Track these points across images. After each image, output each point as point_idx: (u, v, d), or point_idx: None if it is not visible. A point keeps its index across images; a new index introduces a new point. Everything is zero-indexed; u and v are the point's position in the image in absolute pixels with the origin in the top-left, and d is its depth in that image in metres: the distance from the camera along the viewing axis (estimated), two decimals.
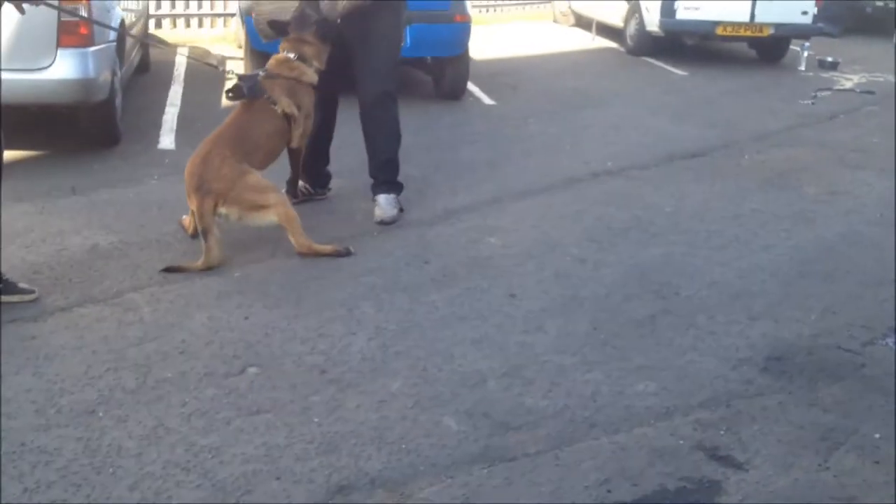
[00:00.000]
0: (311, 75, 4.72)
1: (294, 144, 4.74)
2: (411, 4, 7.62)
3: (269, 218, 4.34)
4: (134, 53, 7.81)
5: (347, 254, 4.47)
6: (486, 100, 8.73)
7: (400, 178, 5.21)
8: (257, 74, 4.60)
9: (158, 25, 11.30)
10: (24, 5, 3.81)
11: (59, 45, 5.29)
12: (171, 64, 9.39)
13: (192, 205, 4.26)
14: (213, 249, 4.18)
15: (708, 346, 3.78)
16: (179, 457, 2.80)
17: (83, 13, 5.28)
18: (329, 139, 5.30)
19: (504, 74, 10.15)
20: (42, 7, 4.92)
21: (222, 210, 4.24)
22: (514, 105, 8.58)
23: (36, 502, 2.54)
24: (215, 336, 3.59)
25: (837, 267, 4.75)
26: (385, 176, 5.12)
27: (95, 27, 5.45)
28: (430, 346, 3.62)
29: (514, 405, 3.24)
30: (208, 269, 4.17)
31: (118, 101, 6.11)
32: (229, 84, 4.70)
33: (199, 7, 11.52)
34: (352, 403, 3.17)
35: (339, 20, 4.83)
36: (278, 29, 4.83)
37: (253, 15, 5.19)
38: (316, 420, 3.06)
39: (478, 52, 11.53)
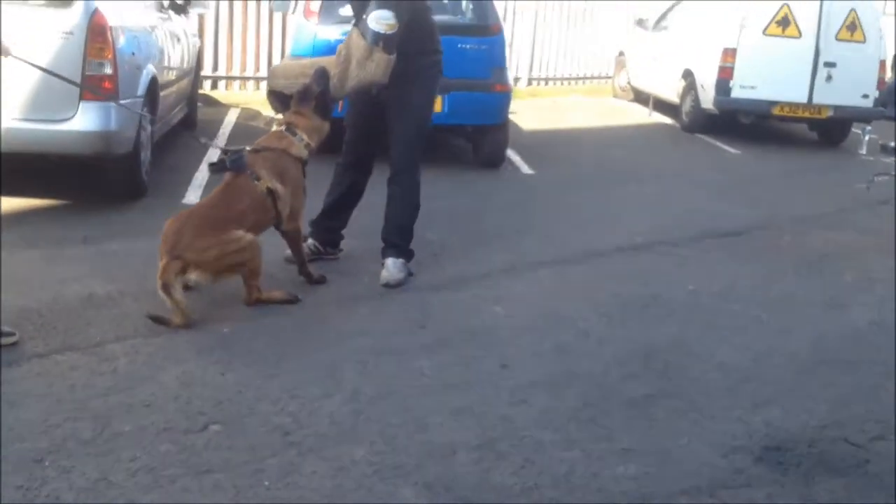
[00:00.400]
0: (300, 149, 4.65)
1: (284, 227, 4.63)
2: (451, 72, 7.69)
3: (240, 273, 4.36)
4: (176, 110, 7.95)
5: (296, 300, 4.47)
6: (526, 169, 8.65)
7: (413, 246, 5.13)
8: (243, 149, 4.57)
9: (214, 86, 11.54)
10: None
11: (81, 97, 5.37)
12: (220, 123, 9.55)
13: (160, 263, 4.18)
14: (181, 304, 4.09)
15: (703, 431, 3.57)
16: None
17: (108, 70, 5.36)
18: (354, 203, 5.27)
19: (549, 146, 10.09)
20: (68, 59, 5.07)
21: (193, 276, 4.18)
22: (554, 176, 8.48)
23: None
24: (186, 391, 3.50)
25: (861, 356, 4.49)
26: (396, 240, 5.04)
27: (122, 80, 5.54)
28: (406, 414, 3.48)
29: (480, 480, 3.07)
30: (185, 324, 4.08)
31: (145, 155, 6.17)
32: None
33: (257, 70, 11.74)
34: (308, 469, 3.04)
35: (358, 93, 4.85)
36: (280, 101, 4.82)
37: (267, 85, 5.19)
38: (266, 483, 2.93)
39: (528, 122, 11.57)
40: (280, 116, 4.93)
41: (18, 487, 2.77)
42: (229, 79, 11.68)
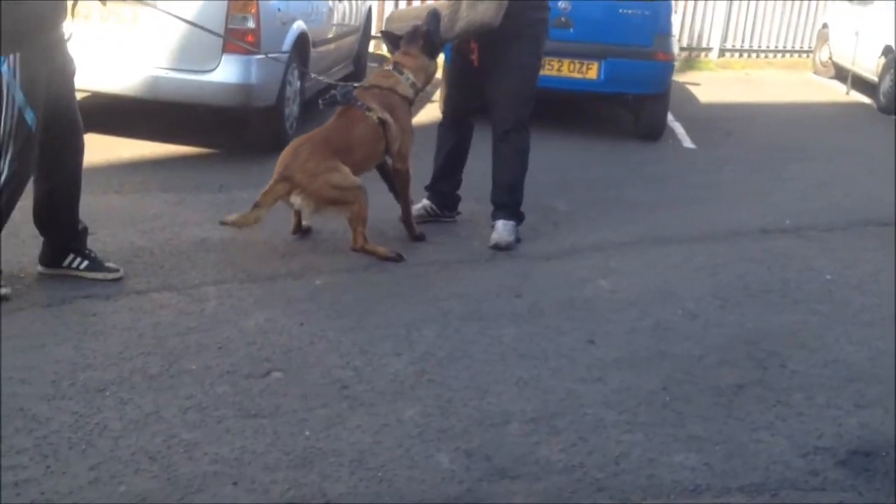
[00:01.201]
0: (406, 88, 4.68)
1: (397, 164, 4.67)
2: (610, 38, 7.48)
3: (343, 214, 4.43)
4: (338, 67, 8.13)
5: (399, 259, 4.48)
6: (687, 143, 8.29)
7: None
8: (352, 84, 4.65)
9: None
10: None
11: (224, 50, 5.57)
12: None
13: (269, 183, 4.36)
14: (252, 216, 4.26)
15: (788, 427, 3.31)
16: (154, 446, 2.80)
17: (251, 24, 5.54)
18: (461, 162, 5.22)
19: (723, 119, 9.61)
20: (212, 11, 5.28)
21: (297, 200, 4.34)
22: (717, 151, 8.08)
23: None
24: (260, 338, 3.59)
25: None
26: (507, 201, 4.96)
27: (266, 35, 5.71)
28: (469, 380, 3.42)
29: (525, 453, 2.98)
30: (241, 226, 4.27)
31: (291, 109, 6.33)
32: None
33: None
34: (353, 423, 3.05)
35: (469, 43, 4.78)
36: (392, 41, 4.84)
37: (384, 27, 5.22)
38: (307, 433, 2.96)
39: (709, 94, 11.09)
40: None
41: (73, 413, 2.92)
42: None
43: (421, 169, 5.14)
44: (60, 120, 3.70)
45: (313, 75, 4.98)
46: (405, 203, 4.81)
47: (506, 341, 3.79)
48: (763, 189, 6.86)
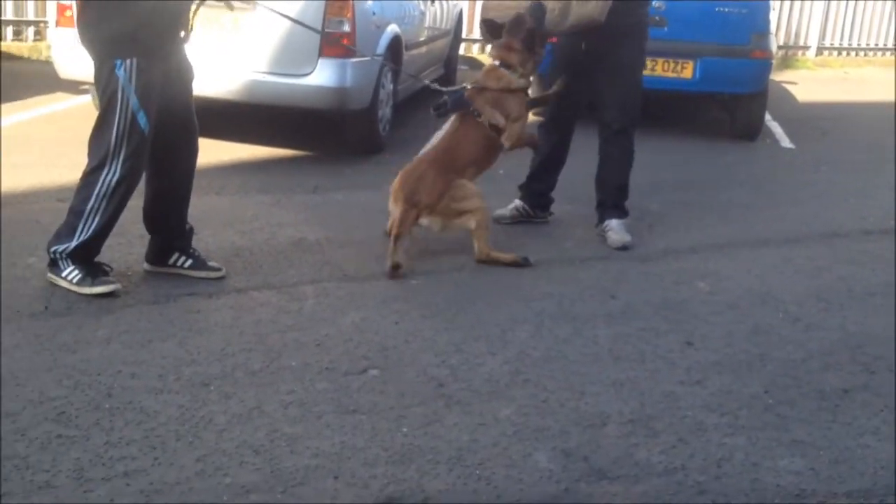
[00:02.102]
0: (518, 82, 4.62)
1: (507, 145, 4.64)
2: (706, 36, 7.38)
3: (468, 224, 4.42)
4: (429, 70, 8.19)
5: (526, 264, 4.47)
6: (785, 142, 8.11)
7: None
8: (464, 88, 4.62)
9: (483, 50, 11.75)
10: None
11: (320, 54, 5.67)
12: None
13: (397, 212, 4.37)
14: (397, 254, 4.25)
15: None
16: (257, 440, 2.86)
17: (346, 28, 5.62)
18: (560, 164, 5.20)
19: (822, 119, 9.37)
20: (309, 14, 5.36)
21: (425, 221, 4.38)
22: (815, 151, 7.89)
23: (108, 455, 2.71)
24: (357, 335, 3.63)
25: None
26: (616, 201, 4.96)
27: (361, 38, 5.78)
28: (565, 380, 3.40)
29: (623, 454, 2.95)
30: (395, 269, 4.24)
31: (384, 111, 6.40)
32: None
33: None
34: (450, 421, 3.06)
35: (580, 43, 4.79)
36: (491, 30, 4.78)
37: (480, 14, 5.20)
38: (404, 430, 2.99)
39: (807, 93, 10.85)
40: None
41: (179, 406, 3.00)
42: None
43: (515, 168, 5.14)
44: (176, 123, 3.83)
45: (427, 82, 4.93)
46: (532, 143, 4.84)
47: (601, 342, 3.76)
48: (863, 189, 6.67)
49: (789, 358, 3.75)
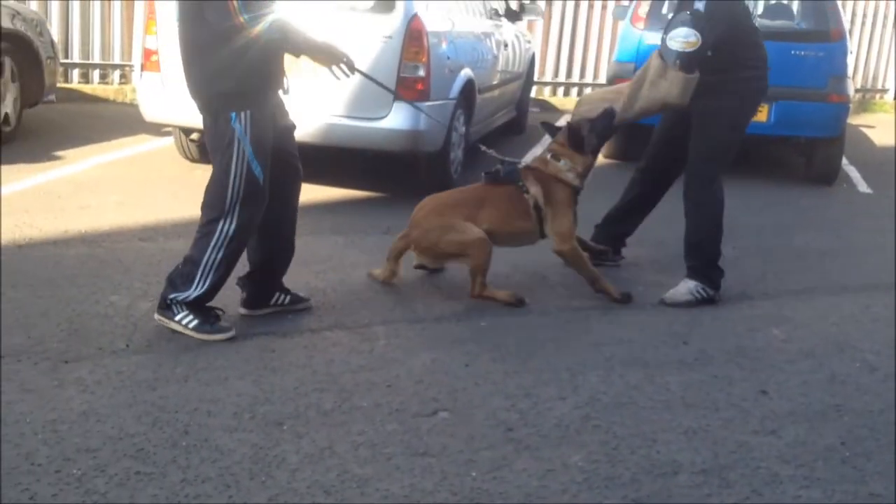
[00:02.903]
0: (567, 175, 4.62)
1: (556, 247, 4.61)
2: (782, 80, 7.31)
3: (467, 265, 4.53)
4: (501, 114, 8.26)
5: (521, 304, 4.48)
6: (863, 187, 7.98)
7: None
8: (518, 162, 4.69)
9: (554, 93, 11.82)
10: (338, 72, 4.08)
11: (395, 98, 5.77)
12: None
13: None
14: (389, 270, 4.62)
15: None
16: (329, 480, 2.90)
17: (421, 73, 5.72)
18: (639, 212, 5.20)
19: None
20: (386, 61, 5.47)
21: (417, 255, 4.66)
22: (893, 196, 7.71)
23: (184, 493, 2.77)
24: (427, 377, 3.67)
25: None
26: (689, 261, 4.82)
27: (435, 83, 5.87)
28: (636, 427, 3.38)
29: None
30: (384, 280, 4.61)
31: (455, 154, 6.47)
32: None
33: (582, 77, 11.84)
34: (519, 466, 3.06)
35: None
36: (548, 130, 4.91)
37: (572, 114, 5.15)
38: (473, 474, 2.99)
39: (886, 137, 10.65)
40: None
41: (253, 445, 3.06)
42: (567, 84, 11.89)
43: (592, 211, 5.13)
44: (282, 168, 3.94)
45: (483, 148, 4.95)
46: (588, 276, 4.69)
47: (673, 389, 3.73)
48: None
49: (866, 409, 3.67)
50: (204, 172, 6.53)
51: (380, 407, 3.39)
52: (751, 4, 10.55)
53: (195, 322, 3.84)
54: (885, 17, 13.48)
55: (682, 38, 4.43)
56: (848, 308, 4.84)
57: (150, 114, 6.39)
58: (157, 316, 3.92)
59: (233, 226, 3.77)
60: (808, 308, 4.81)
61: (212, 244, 3.78)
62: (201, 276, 3.81)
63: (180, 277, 3.85)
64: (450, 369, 3.76)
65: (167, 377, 3.50)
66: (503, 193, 4.60)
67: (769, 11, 10.01)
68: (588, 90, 11.92)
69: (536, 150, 8.40)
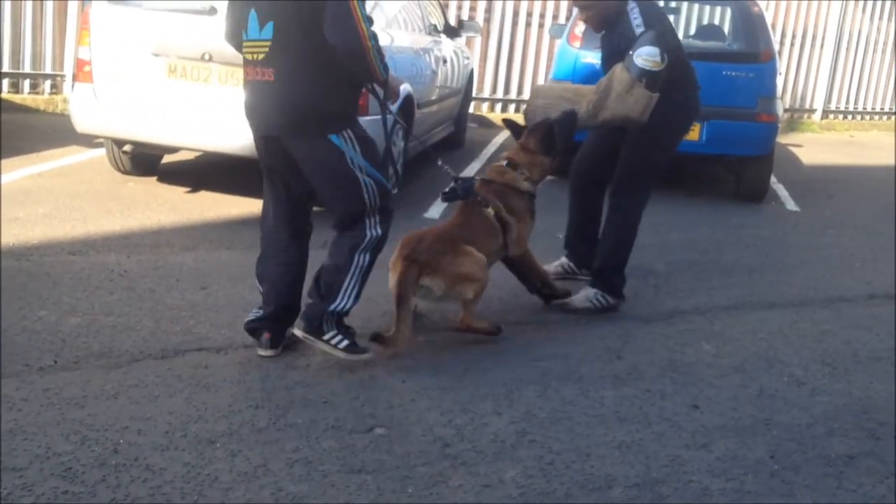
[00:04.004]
0: (522, 183, 4.59)
1: (511, 251, 4.57)
2: (713, 100, 7.46)
3: (465, 294, 4.19)
4: (439, 129, 8.29)
5: (498, 332, 4.33)
6: (791, 205, 8.16)
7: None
8: (474, 178, 4.61)
9: (492, 109, 11.91)
10: None
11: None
12: (487, 144, 9.83)
13: (394, 275, 4.16)
14: (405, 321, 4.00)
15: None
16: (262, 499, 2.87)
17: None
18: (593, 222, 5.23)
19: (828, 182, 9.44)
20: None
21: (427, 280, 4.12)
22: (820, 214, 7.93)
23: None
24: (364, 393, 3.65)
25: None
26: (597, 261, 4.93)
27: (374, 98, 5.84)
28: (571, 442, 3.41)
29: None
30: (398, 352, 4.01)
31: (394, 169, 6.45)
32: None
33: (519, 93, 11.95)
34: (455, 482, 3.06)
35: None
36: (512, 129, 4.85)
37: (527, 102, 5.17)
38: (410, 490, 2.99)
39: (812, 156, 10.94)
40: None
41: (185, 464, 3.01)
42: (505, 101, 11.98)
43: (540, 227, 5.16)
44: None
45: (440, 163, 4.85)
46: (539, 277, 4.74)
47: (607, 403, 3.77)
48: (868, 254, 6.70)
49: (794, 423, 3.76)
50: (136, 185, 6.53)
51: (315, 423, 3.37)
52: (682, 25, 10.81)
53: (345, 342, 3.78)
54: (814, 38, 13.85)
55: (651, 57, 4.49)
56: (776, 323, 4.95)
57: (82, 125, 6.27)
58: (301, 333, 3.82)
59: (377, 234, 3.84)
60: (738, 323, 4.90)
61: (359, 251, 3.81)
62: (348, 287, 3.80)
63: (326, 288, 3.81)
64: (386, 384, 3.75)
65: (96, 394, 3.43)
66: (474, 214, 4.45)
67: (701, 32, 10.26)
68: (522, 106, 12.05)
69: (475, 166, 8.49)
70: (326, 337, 3.78)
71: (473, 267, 4.25)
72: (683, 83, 4.86)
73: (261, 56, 3.61)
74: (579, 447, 3.38)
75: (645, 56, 4.48)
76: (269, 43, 3.57)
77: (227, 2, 3.88)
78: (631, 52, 4.54)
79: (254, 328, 3.95)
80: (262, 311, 3.95)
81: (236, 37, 3.82)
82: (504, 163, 4.70)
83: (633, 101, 4.51)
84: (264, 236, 4.05)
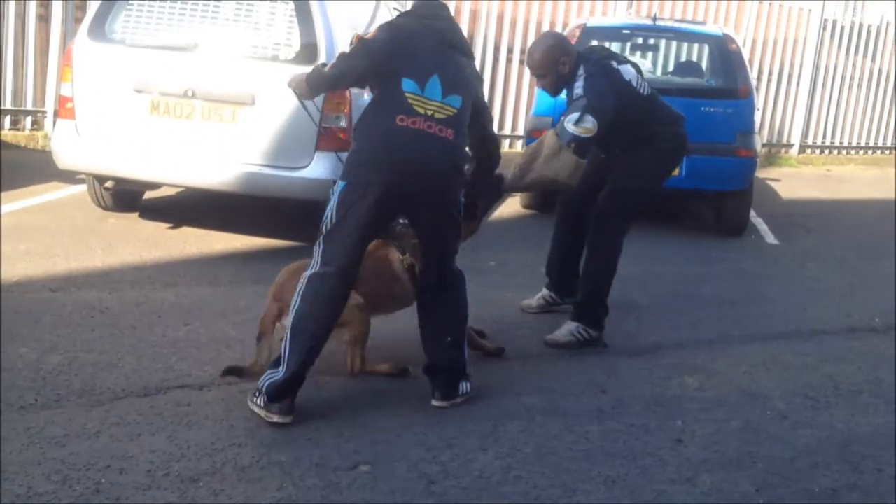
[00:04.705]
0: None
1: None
2: (692, 136, 7.53)
3: (342, 337, 4.10)
4: None
5: (403, 374, 4.20)
6: (770, 238, 8.22)
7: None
8: (401, 223, 4.32)
9: None
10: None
11: (317, 147, 5.78)
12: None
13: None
14: (263, 354, 3.96)
15: None
16: None
17: (343, 123, 5.75)
18: (571, 252, 5.24)
19: (805, 216, 9.52)
20: (309, 111, 5.44)
21: (286, 321, 3.83)
22: (799, 247, 8.00)
23: None
24: (348, 430, 3.63)
25: None
26: (580, 294, 4.95)
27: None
28: (557, 477, 3.40)
29: None
30: (253, 373, 3.91)
31: None
32: None
33: (500, 129, 12.02)
34: None
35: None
36: None
37: None
38: None
39: (790, 190, 11.03)
40: None
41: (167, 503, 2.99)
42: None
43: (515, 261, 5.18)
44: None
45: None
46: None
47: (592, 438, 3.77)
48: (847, 287, 6.76)
49: (778, 456, 3.77)
50: (117, 221, 6.51)
51: (299, 461, 3.35)
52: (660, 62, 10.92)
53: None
54: (791, 74, 14.04)
55: (581, 124, 4.53)
56: (758, 356, 4.97)
57: (64, 161, 6.26)
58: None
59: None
60: (720, 356, 4.92)
61: (462, 289, 4.15)
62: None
63: (454, 341, 4.03)
64: (371, 421, 3.74)
65: (78, 433, 3.40)
66: (377, 256, 4.26)
67: (680, 69, 10.38)
68: (506, 142, 12.12)
69: None
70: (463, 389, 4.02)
71: (346, 312, 3.94)
72: (658, 118, 4.96)
73: (441, 116, 3.84)
74: (565, 482, 3.37)
75: (575, 122, 4.53)
76: (455, 111, 3.88)
77: (379, 45, 3.91)
78: (562, 118, 4.63)
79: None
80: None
81: (380, 77, 3.92)
82: None
83: (560, 164, 4.57)
84: None
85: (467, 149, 4.14)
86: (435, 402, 3.93)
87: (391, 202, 3.86)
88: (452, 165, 3.93)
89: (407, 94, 3.83)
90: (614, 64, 4.88)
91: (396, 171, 3.79)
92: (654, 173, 5.03)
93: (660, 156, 4.98)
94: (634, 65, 5.06)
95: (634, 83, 4.89)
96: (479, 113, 4.10)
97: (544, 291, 5.38)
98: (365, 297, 4.10)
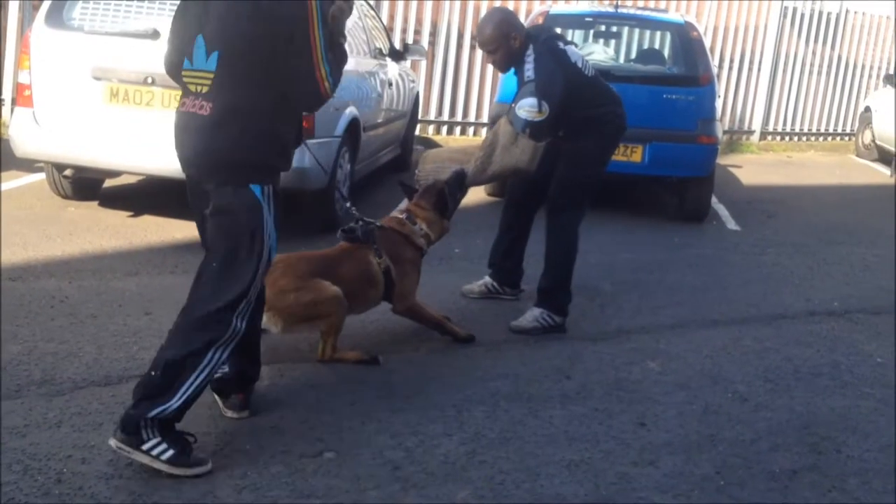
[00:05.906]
0: (418, 239, 4.54)
1: (395, 307, 4.47)
2: (654, 122, 7.60)
3: (321, 327, 4.16)
4: (385, 151, 8.31)
5: (374, 362, 4.22)
6: (731, 225, 8.30)
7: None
8: (375, 223, 4.46)
9: (438, 131, 11.98)
10: None
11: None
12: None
13: None
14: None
15: None
16: None
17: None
18: (518, 239, 5.29)
19: (766, 202, 9.62)
20: None
21: (266, 316, 3.88)
22: (760, 233, 8.08)
23: None
24: (313, 417, 3.63)
25: None
26: (542, 281, 4.97)
27: (320, 121, 5.87)
28: (521, 461, 3.42)
29: None
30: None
31: (342, 191, 6.46)
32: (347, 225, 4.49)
33: (465, 116, 12.05)
34: None
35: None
36: (405, 191, 4.85)
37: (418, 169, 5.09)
38: None
39: (751, 177, 11.15)
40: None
41: (131, 493, 2.97)
42: (451, 123, 12.06)
43: (482, 247, 5.17)
44: None
45: (347, 205, 4.71)
46: (433, 325, 4.58)
47: (556, 423, 3.79)
48: (808, 271, 6.84)
49: (739, 438, 3.82)
50: (77, 209, 6.44)
51: (264, 449, 3.34)
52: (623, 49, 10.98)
53: (171, 453, 3.08)
54: (752, 62, 14.17)
55: (531, 108, 4.57)
56: (720, 341, 5.03)
57: (22, 149, 6.18)
58: (114, 442, 3.09)
59: (245, 319, 3.23)
60: (682, 341, 4.97)
61: (218, 340, 3.18)
62: (192, 382, 3.17)
63: (154, 385, 3.12)
64: (335, 408, 3.74)
65: (38, 422, 3.37)
66: (358, 257, 4.33)
67: (642, 56, 10.44)
68: (471, 129, 12.15)
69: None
70: (146, 447, 3.05)
71: (318, 307, 4.08)
72: (600, 99, 4.99)
73: (204, 89, 3.16)
74: (529, 466, 3.39)
75: (527, 108, 4.57)
76: (212, 74, 3.13)
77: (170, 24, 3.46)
78: (513, 105, 4.66)
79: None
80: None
81: (177, 66, 3.30)
82: (404, 215, 4.64)
83: (520, 151, 4.61)
84: None
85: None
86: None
87: (195, 203, 3.42)
88: (206, 149, 3.16)
89: (184, 74, 3.25)
90: (561, 45, 4.90)
91: (182, 167, 3.36)
92: (598, 159, 5.08)
93: (600, 141, 5.01)
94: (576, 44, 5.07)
95: (580, 64, 4.93)
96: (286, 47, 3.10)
97: (486, 279, 5.37)
98: (346, 289, 4.16)
